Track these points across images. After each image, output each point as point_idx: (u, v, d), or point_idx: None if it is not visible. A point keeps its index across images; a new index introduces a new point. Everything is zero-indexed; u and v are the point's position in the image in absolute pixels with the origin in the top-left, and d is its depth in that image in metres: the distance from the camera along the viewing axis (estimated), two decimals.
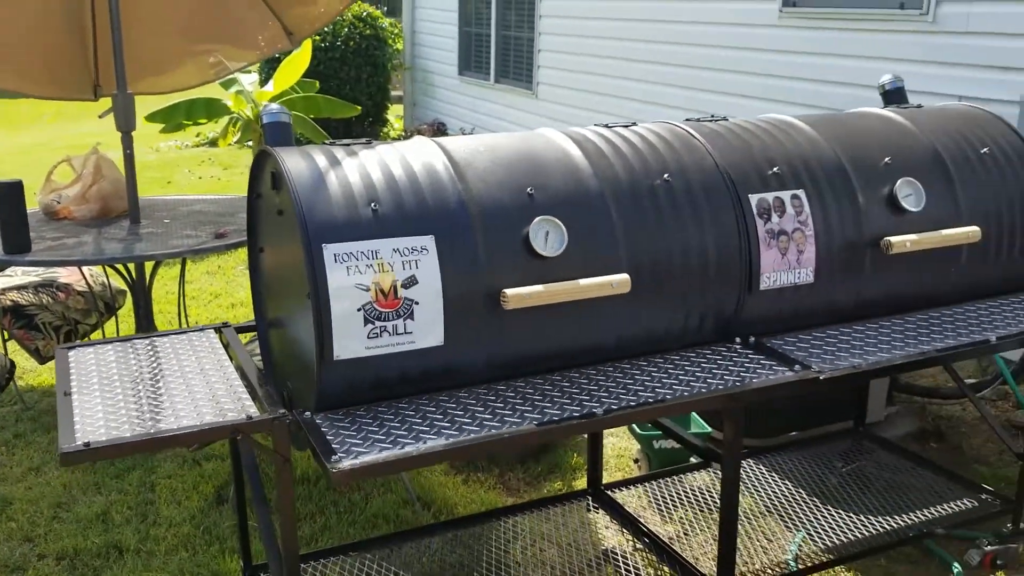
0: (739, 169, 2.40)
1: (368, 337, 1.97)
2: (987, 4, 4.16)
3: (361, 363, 1.98)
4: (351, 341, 1.95)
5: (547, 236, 2.12)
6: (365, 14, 11.25)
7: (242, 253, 6.25)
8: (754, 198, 2.37)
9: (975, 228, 2.55)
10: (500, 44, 8.98)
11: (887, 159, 2.55)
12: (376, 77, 11.11)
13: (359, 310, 1.95)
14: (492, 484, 3.46)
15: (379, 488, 3.42)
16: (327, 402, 2.02)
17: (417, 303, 2.00)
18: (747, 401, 2.17)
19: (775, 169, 2.43)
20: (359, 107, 7.76)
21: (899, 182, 2.51)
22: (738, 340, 2.39)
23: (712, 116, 2.65)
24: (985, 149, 2.71)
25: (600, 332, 2.23)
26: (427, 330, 2.02)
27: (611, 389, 2.12)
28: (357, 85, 10.88)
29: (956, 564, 2.91)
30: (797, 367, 2.23)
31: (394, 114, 12.11)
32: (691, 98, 6.05)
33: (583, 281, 2.12)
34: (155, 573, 2.95)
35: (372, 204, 2.01)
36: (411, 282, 2.00)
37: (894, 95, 3.04)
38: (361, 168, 2.09)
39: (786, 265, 2.38)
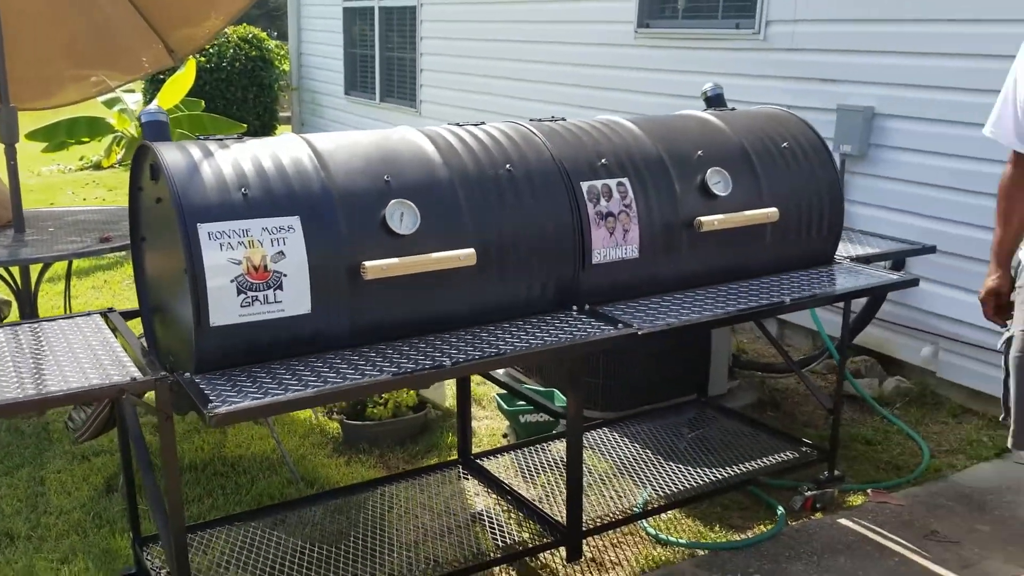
0: (572, 160, 2.77)
1: (241, 306, 2.23)
2: (808, 24, 4.70)
3: (235, 329, 2.24)
4: (225, 309, 2.21)
5: (402, 217, 2.43)
6: (251, 36, 11.40)
7: (128, 268, 6.34)
8: (585, 185, 2.74)
9: (774, 209, 2.99)
10: (384, 65, 9.29)
11: (700, 152, 2.97)
12: (263, 97, 11.26)
13: (232, 281, 2.21)
14: (373, 464, 3.73)
15: (264, 471, 3.65)
16: (205, 366, 2.27)
17: (285, 275, 2.27)
18: (577, 354, 2.52)
19: (603, 161, 2.81)
20: (244, 125, 7.95)
21: (709, 171, 2.92)
22: (575, 308, 2.74)
23: (552, 117, 3.01)
24: (785, 144, 3.16)
25: (453, 301, 2.55)
26: (295, 300, 2.29)
27: (460, 347, 2.44)
28: (244, 105, 11.00)
29: (780, 508, 3.34)
30: (621, 326, 2.60)
31: (282, 133, 12.24)
32: (558, 112, 6.47)
33: (434, 255, 2.44)
34: (46, 555, 3.10)
35: (243, 189, 2.28)
36: (279, 257, 2.27)
37: (715, 100, 3.48)
38: (233, 159, 2.36)
39: (614, 243, 2.75)
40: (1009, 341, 2.56)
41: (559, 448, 3.60)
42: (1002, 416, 2.65)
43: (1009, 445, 2.60)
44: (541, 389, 4.03)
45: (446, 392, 4.20)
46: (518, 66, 7.00)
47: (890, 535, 3.19)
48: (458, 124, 2.83)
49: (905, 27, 4.22)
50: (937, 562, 3.02)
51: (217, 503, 3.42)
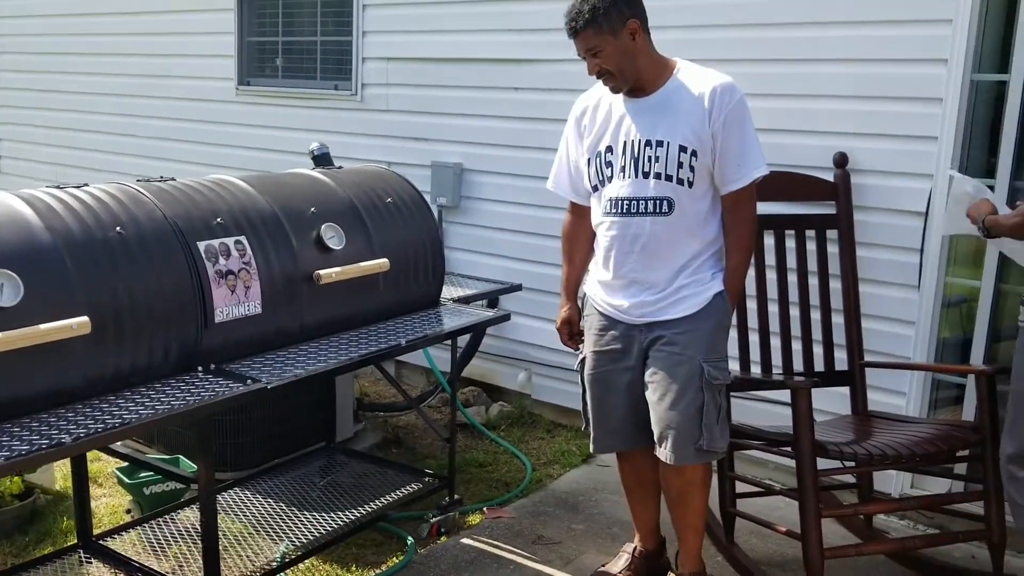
0: (186, 220, 2.78)
1: None
2: (399, 88, 5.12)
3: None
4: None
5: (2, 288, 2.28)
6: None
7: None
8: (202, 244, 2.76)
9: (385, 260, 3.25)
10: None
11: (313, 209, 3.14)
12: None
13: None
14: None
15: None
16: None
17: None
18: (205, 414, 2.53)
19: (219, 219, 2.85)
20: None
21: (323, 226, 3.10)
22: (200, 368, 2.74)
23: (161, 177, 2.99)
24: (389, 199, 3.45)
25: (68, 374, 2.42)
26: None
27: (80, 422, 2.33)
28: None
29: (410, 538, 3.57)
30: (249, 381, 2.65)
31: None
32: (167, 167, 6.27)
33: (43, 326, 2.31)
34: None
35: None
36: None
37: (322, 159, 3.69)
38: None
39: (236, 300, 2.81)
40: (583, 361, 3.05)
41: (190, 515, 3.49)
42: (583, 426, 3.13)
43: (592, 450, 3.10)
44: (166, 456, 3.88)
45: (55, 475, 3.86)
46: (123, 120, 6.63)
47: (504, 546, 3.56)
48: (58, 186, 2.70)
49: (481, 93, 4.78)
50: (544, 563, 3.43)
51: None
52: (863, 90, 3.59)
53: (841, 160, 3.62)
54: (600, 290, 2.97)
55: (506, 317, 3.60)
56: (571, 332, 3.13)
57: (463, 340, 4.44)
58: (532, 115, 4.58)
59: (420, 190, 3.67)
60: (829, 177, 3.63)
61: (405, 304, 3.42)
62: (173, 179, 3.00)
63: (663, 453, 2.81)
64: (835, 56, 3.64)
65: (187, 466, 3.78)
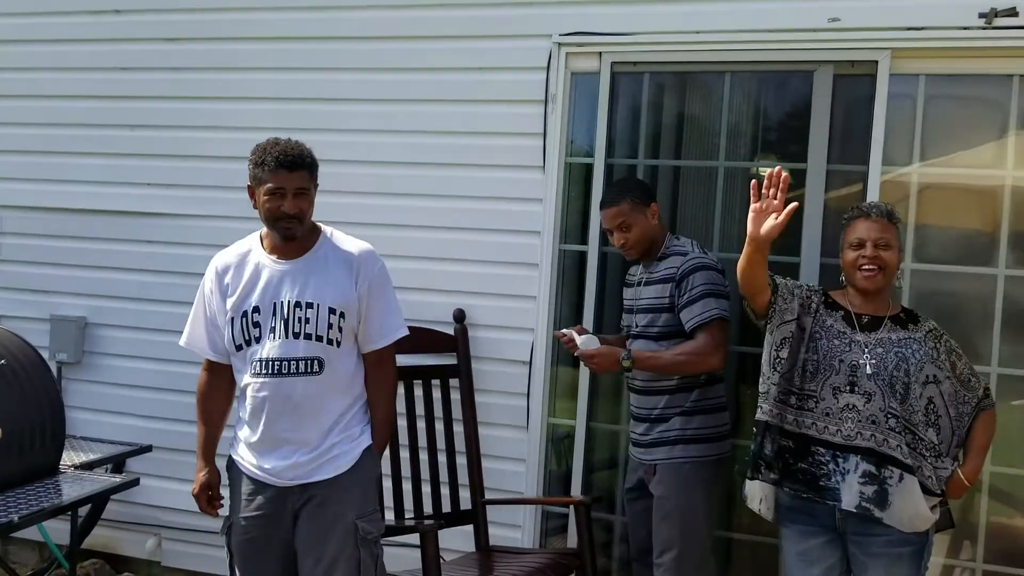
0: None
1: None
2: (15, 237, 4.79)
3: None
4: None
5: None
6: None
7: None
8: None
9: None
10: None
11: None
12: None
13: None
14: None
15: None
16: None
17: None
18: None
19: None
20: None
21: None
22: None
23: None
24: (2, 360, 3.23)
25: None
26: None
27: None
28: None
29: None
30: None
31: None
32: None
33: None
34: None
35: None
36: None
37: None
38: None
39: None
40: (230, 528, 2.95)
41: None
42: None
43: None
44: None
45: None
46: None
47: None
48: None
49: (109, 245, 4.63)
50: None
51: None
52: (478, 255, 4.08)
53: (459, 316, 4.05)
54: (248, 453, 2.95)
55: (134, 482, 3.45)
56: (210, 498, 3.04)
57: (85, 509, 4.11)
58: (166, 268, 4.53)
59: (36, 346, 3.46)
60: (450, 331, 4.03)
61: (19, 474, 3.17)
62: None
63: None
64: (453, 225, 4.11)
65: None
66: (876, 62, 3.56)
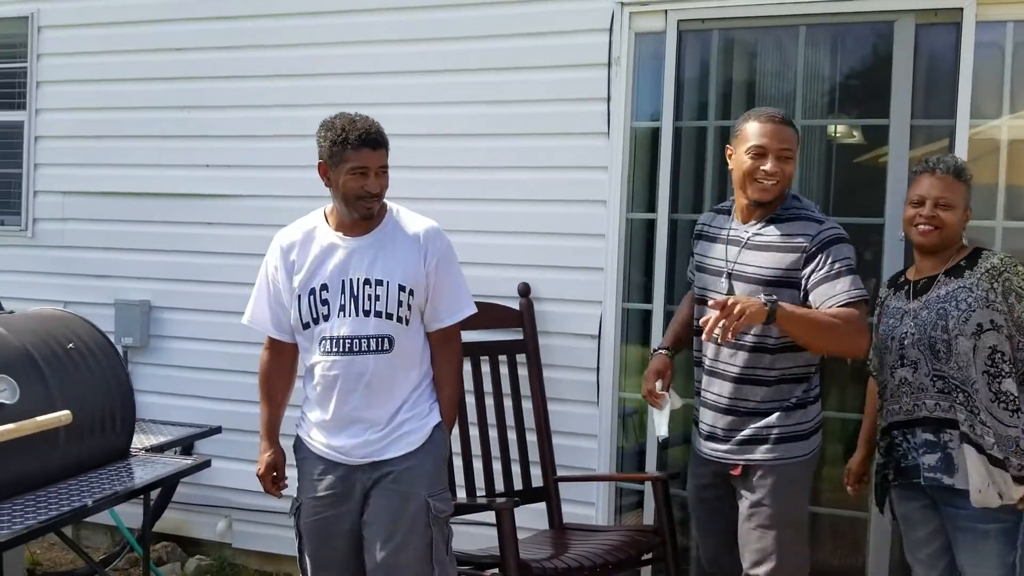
0: None
1: None
2: (77, 223, 4.81)
3: None
4: None
5: None
6: None
7: None
8: None
9: (67, 412, 2.99)
10: None
11: None
12: None
13: None
14: None
15: None
16: None
17: None
18: None
19: None
20: None
21: None
22: None
23: None
24: (71, 344, 3.21)
25: None
26: None
27: None
28: None
29: None
30: None
31: None
32: None
33: None
34: None
35: None
36: None
37: None
38: None
39: None
40: (299, 509, 2.90)
41: None
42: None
43: None
44: None
45: None
46: None
47: None
48: None
49: (171, 228, 4.63)
50: None
51: None
52: (542, 227, 3.97)
53: (524, 290, 3.95)
54: (317, 432, 2.90)
55: (206, 464, 3.43)
56: (275, 479, 2.99)
57: (157, 492, 4.12)
58: (226, 250, 4.50)
59: (103, 331, 3.45)
60: (515, 306, 3.94)
61: (91, 458, 3.16)
62: None
63: None
64: (515, 197, 4.01)
65: None
66: (961, 9, 3.37)
